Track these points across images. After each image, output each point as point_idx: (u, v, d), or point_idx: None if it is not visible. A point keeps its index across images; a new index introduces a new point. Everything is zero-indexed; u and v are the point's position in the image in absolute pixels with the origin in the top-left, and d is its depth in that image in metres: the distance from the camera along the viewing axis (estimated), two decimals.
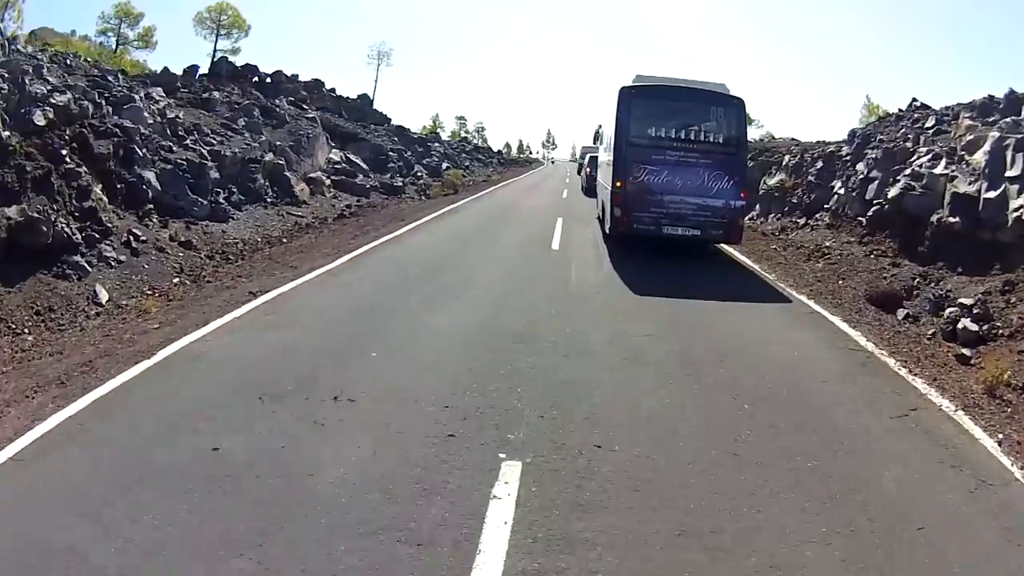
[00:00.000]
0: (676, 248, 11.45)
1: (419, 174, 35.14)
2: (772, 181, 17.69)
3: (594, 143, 19.08)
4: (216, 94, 28.86)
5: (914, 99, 15.51)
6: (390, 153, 34.90)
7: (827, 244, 12.33)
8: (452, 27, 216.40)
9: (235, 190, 20.82)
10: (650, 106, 10.66)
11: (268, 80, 41.63)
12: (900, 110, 16.53)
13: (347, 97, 53.05)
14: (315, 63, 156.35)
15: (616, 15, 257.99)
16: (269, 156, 22.47)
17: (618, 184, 10.70)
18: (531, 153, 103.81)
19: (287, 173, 22.68)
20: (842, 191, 13.59)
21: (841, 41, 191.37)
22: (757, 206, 17.93)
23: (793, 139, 21.15)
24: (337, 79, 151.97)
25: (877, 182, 12.17)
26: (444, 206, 20.53)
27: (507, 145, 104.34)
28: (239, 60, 42.13)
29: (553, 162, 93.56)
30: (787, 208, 16.28)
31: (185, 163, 16.21)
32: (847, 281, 10.20)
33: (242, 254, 12.81)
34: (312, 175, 24.58)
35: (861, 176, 12.91)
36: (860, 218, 12.26)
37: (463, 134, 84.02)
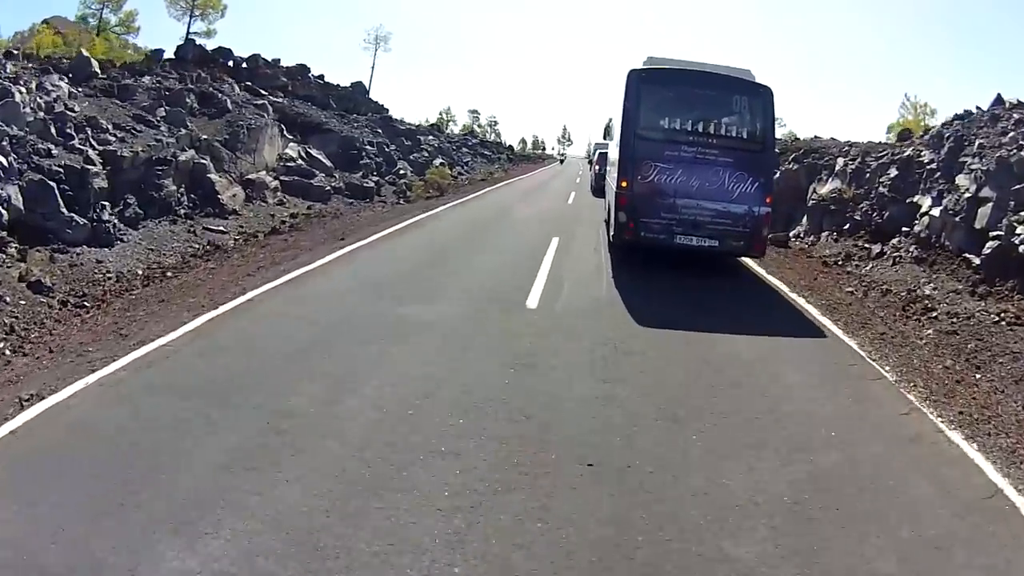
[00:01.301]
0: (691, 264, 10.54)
1: (402, 171, 31.26)
2: (824, 190, 15.89)
3: (604, 138, 18.75)
4: (146, 79, 25.13)
5: (999, 95, 13.45)
6: (366, 147, 31.01)
7: (926, 291, 10.05)
8: (467, 19, 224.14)
9: (133, 201, 16.77)
10: (663, 93, 10.13)
11: (244, 65, 39.49)
12: (971, 108, 13.99)
13: (337, 85, 50.58)
14: (320, 55, 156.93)
15: (627, 11, 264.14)
16: (187, 154, 18.38)
17: (624, 184, 10.05)
18: (544, 149, 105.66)
19: (212, 175, 18.59)
20: (935, 212, 11.60)
21: (843, 40, 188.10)
22: (805, 220, 16.25)
23: (832, 138, 19.53)
24: (344, 72, 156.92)
25: (991, 205, 10.15)
26: (416, 214, 17.21)
27: (522, 140, 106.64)
28: (217, 42, 41.05)
29: (562, 161, 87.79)
30: (848, 226, 14.38)
31: (62, 170, 13.10)
32: (986, 374, 6.75)
33: (104, 298, 9.73)
34: (252, 176, 20.60)
35: (967, 194, 10.82)
36: (968, 255, 10.27)
37: (475, 127, 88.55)
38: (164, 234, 16.96)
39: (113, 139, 17.93)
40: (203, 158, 19.08)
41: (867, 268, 12.04)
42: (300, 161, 24.11)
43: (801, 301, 9.61)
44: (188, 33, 43.04)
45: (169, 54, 36.04)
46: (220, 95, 24.95)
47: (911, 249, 11.72)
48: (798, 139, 23.41)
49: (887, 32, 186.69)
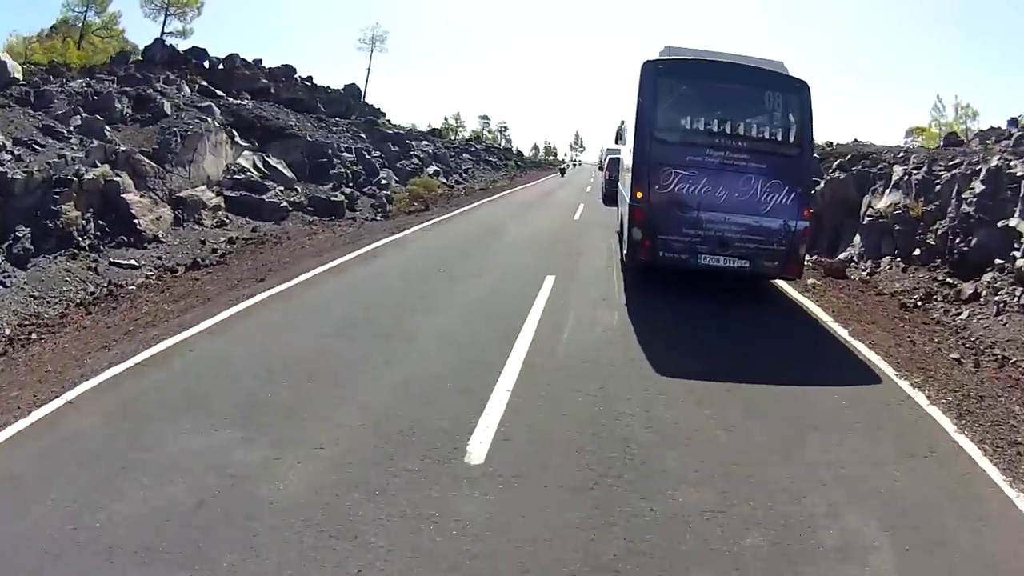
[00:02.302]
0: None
1: (384, 182, 28.67)
2: (882, 204, 14.52)
3: (616, 142, 17.37)
4: (76, 83, 22.55)
5: None
6: (342, 154, 28.39)
7: None
8: (477, 24, 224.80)
9: (24, 234, 14.06)
10: (683, 88, 9.54)
11: (220, 66, 37.69)
12: None
13: (327, 87, 49.17)
14: (323, 60, 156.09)
15: (636, 15, 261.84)
16: (98, 171, 15.62)
17: (638, 195, 9.36)
18: (555, 156, 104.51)
19: (130, 195, 16.01)
20: None
21: (848, 39, 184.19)
22: (858, 240, 14.89)
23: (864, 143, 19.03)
24: (348, 77, 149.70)
25: None
26: (380, 237, 14.47)
27: (534, 147, 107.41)
28: (202, 43, 41.26)
29: (572, 166, 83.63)
30: (919, 252, 13.01)
31: None
32: None
33: None
34: (186, 193, 17.95)
35: None
36: None
37: (485, 133, 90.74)
38: (57, 274, 14.29)
39: (8, 158, 15.28)
40: (118, 175, 16.42)
41: (962, 316, 10.59)
42: (252, 173, 21.42)
43: (907, 387, 6.83)
44: (163, 33, 40.79)
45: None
46: (159, 97, 22.22)
47: (1017, 292, 10.39)
48: (835, 144, 22.07)
49: (896, 30, 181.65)
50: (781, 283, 10.73)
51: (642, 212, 9.37)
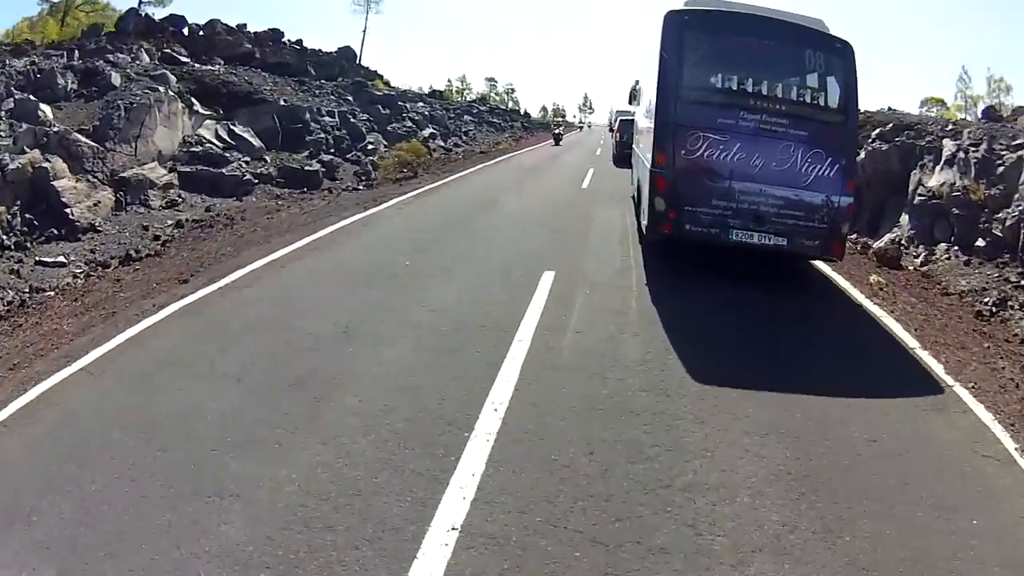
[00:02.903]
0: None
1: (371, 147, 26.66)
2: (933, 182, 13.31)
3: (630, 103, 16.69)
4: (20, 62, 20.79)
5: None
6: (324, 118, 26.55)
7: None
8: None
9: None
10: (713, 43, 9.12)
11: (200, 33, 37.06)
12: None
13: (318, 50, 48.31)
14: (325, 27, 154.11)
15: None
16: (23, 159, 13.82)
17: (661, 161, 8.92)
18: (564, 117, 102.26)
19: (62, 181, 14.05)
20: None
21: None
22: (905, 220, 13.61)
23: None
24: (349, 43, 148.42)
25: None
26: (351, 214, 12.48)
27: (543, 108, 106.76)
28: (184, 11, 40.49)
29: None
30: (985, 243, 11.46)
31: None
32: None
33: None
34: (131, 173, 16.13)
35: None
36: None
37: (492, 95, 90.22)
38: None
39: None
40: (49, 160, 14.52)
41: None
42: (214, 144, 19.50)
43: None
44: (140, 2, 40.82)
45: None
46: (108, 70, 20.34)
47: None
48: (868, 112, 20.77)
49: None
50: (836, 276, 9.68)
51: (666, 180, 8.91)
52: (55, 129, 15.81)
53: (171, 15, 37.34)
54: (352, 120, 28.75)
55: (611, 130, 37.70)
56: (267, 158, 20.62)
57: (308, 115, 25.00)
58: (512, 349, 5.87)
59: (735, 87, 8.95)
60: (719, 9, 9.33)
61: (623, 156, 23.76)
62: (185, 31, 36.32)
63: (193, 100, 21.00)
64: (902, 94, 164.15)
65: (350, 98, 34.40)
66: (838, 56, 9.07)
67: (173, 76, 21.60)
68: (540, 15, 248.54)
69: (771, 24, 9.19)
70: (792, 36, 9.18)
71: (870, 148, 14.93)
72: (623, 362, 5.84)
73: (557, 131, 46.06)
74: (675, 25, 9.08)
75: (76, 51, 24.30)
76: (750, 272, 8.99)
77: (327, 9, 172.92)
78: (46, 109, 17.31)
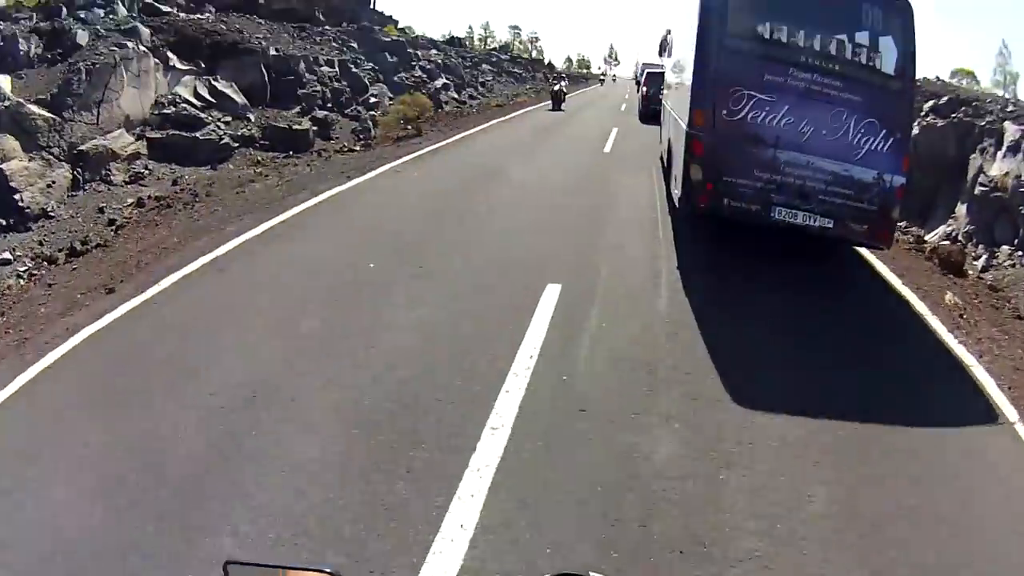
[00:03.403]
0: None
1: (374, 100, 25.07)
2: (995, 170, 12.08)
3: (660, 55, 16.15)
4: None
5: None
6: (322, 68, 24.60)
7: None
8: None
9: None
10: None
11: None
12: None
13: None
14: None
15: None
16: None
17: (699, 120, 8.41)
18: (589, 68, 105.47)
19: (11, 163, 13.53)
20: None
21: None
22: (962, 212, 12.45)
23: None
24: None
25: None
26: (332, 186, 10.95)
27: (567, 59, 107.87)
28: None
29: (601, 82, 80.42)
30: None
31: None
32: None
33: None
34: (89, 145, 14.67)
35: None
36: None
37: (516, 44, 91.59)
38: None
39: None
40: None
41: None
42: (191, 104, 17.85)
43: None
44: None
45: None
46: (74, 27, 18.70)
47: None
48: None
49: None
50: (905, 289, 8.41)
51: (703, 145, 8.42)
52: (6, 103, 14.30)
53: None
54: (354, 70, 26.78)
55: (637, 83, 37.22)
56: (251, 117, 18.91)
57: (303, 66, 23.13)
58: (477, 459, 3.91)
59: (786, 39, 8.33)
60: None
61: (649, 112, 23.34)
62: None
63: (170, 55, 19.31)
64: (929, 63, 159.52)
65: (354, 44, 32.27)
66: (897, 15, 8.54)
67: (147, 29, 19.79)
68: None
69: None
70: None
71: (924, 124, 13.86)
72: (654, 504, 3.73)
73: (556, 87, 31.94)
74: None
75: (63, 9, 23.06)
76: (800, 280, 8.15)
77: None
78: (1, 81, 15.83)
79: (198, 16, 26.90)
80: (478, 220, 9.03)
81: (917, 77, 9.88)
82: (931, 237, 11.96)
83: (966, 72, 32.88)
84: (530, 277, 6.78)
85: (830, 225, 8.44)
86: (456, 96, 35.45)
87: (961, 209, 12.50)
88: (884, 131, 8.36)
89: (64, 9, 23.68)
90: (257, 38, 25.16)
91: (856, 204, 8.45)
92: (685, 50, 10.34)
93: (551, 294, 6.31)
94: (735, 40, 8.43)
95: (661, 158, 13.15)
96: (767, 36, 8.38)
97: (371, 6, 54.56)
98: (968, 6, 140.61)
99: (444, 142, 16.12)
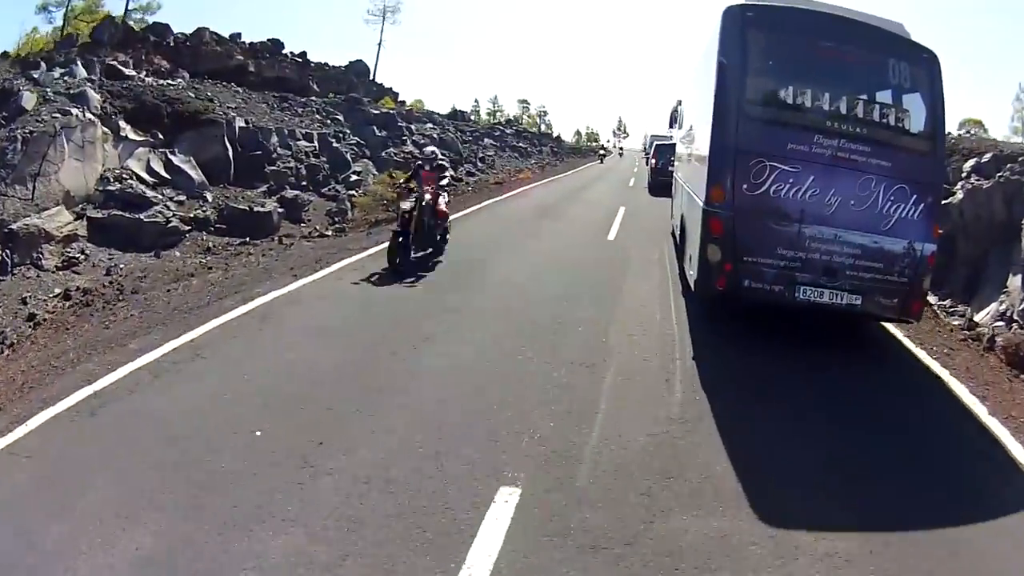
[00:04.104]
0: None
1: (356, 178, 24.39)
2: None
3: (670, 127, 16.28)
4: None
5: None
6: (297, 142, 23.90)
7: None
8: (514, 4, 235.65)
9: None
10: (783, 47, 8.62)
11: (186, 43, 36.94)
12: None
13: (324, 64, 48.26)
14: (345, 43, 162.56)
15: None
16: None
17: (717, 196, 8.32)
18: (597, 141, 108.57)
19: None
20: None
21: None
22: (1017, 285, 11.05)
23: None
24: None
25: None
26: (274, 287, 9.54)
27: (576, 132, 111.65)
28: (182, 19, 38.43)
29: (607, 154, 77.71)
30: None
31: None
32: None
33: None
34: (19, 224, 13.41)
35: None
36: None
37: (524, 117, 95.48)
38: None
39: None
40: None
41: None
42: (142, 180, 16.81)
43: None
44: (127, 9, 41.28)
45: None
46: (22, 89, 17.91)
47: None
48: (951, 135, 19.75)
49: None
50: (983, 411, 6.99)
51: (722, 222, 8.25)
52: None
53: (155, 24, 37.43)
54: (335, 144, 26.16)
55: (646, 156, 39.21)
56: (208, 196, 17.95)
57: (275, 139, 22.45)
58: None
59: (809, 103, 8.28)
60: (790, 6, 8.73)
61: (659, 184, 24.54)
62: (171, 41, 35.69)
63: (122, 124, 18.50)
64: None
65: (340, 117, 32.07)
66: (925, 69, 8.49)
67: (96, 94, 19.04)
68: (575, 36, 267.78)
69: (850, 26, 8.58)
70: (874, 42, 8.55)
71: (969, 186, 13.04)
72: None
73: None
74: (736, 23, 8.42)
75: (43, 64, 22.71)
76: (846, 398, 6.97)
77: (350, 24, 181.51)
78: None
79: (169, 82, 26.51)
80: (426, 359, 6.93)
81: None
82: (982, 317, 11.05)
83: (974, 122, 32.55)
84: (476, 475, 4.74)
85: (858, 302, 8.27)
86: (452, 173, 34.66)
87: (1015, 281, 11.35)
88: (915, 196, 8.22)
89: (44, 64, 23.43)
90: (229, 107, 24.59)
91: (886, 277, 8.28)
92: (700, 120, 10.17)
93: (502, 506, 4.36)
94: (755, 107, 8.30)
95: (673, 234, 12.92)
96: (790, 101, 8.28)
97: (370, 77, 55.41)
98: (971, 53, 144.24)
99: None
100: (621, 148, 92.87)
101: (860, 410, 6.62)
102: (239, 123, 22.03)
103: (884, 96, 8.54)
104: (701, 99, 10.05)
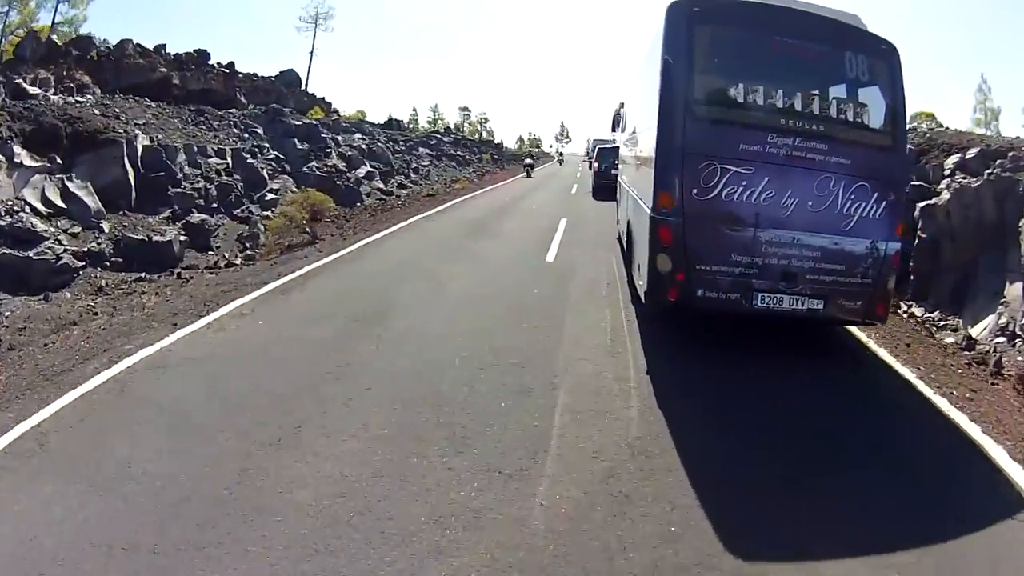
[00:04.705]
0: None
1: (272, 197, 23.83)
2: None
3: (613, 130, 16.89)
4: None
5: None
6: (208, 159, 23.34)
7: None
8: (454, 11, 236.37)
9: None
10: (730, 43, 8.52)
11: (110, 56, 36.47)
12: None
13: (253, 75, 47.94)
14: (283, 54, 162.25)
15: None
16: None
17: (665, 202, 8.24)
18: (539, 147, 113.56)
19: None
20: None
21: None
22: (1017, 294, 10.76)
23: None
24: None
25: None
26: (152, 340, 8.68)
27: (519, 139, 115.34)
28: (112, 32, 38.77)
29: (549, 159, 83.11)
30: None
31: None
32: None
33: None
34: None
35: None
36: None
37: (467, 125, 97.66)
38: None
39: None
40: None
41: None
42: (35, 211, 16.16)
43: None
44: (53, 23, 41.48)
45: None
46: None
47: None
48: (925, 129, 20.04)
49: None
50: (1001, 454, 6.15)
51: (672, 230, 8.12)
52: None
53: (79, 37, 37.67)
54: (250, 160, 25.52)
55: (588, 160, 41.38)
56: (104, 226, 17.21)
57: (182, 157, 21.76)
58: None
59: (761, 101, 8.14)
60: (735, 0, 8.59)
61: (602, 187, 26.49)
62: (94, 55, 35.20)
63: (17, 149, 17.76)
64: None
65: (259, 130, 31.42)
66: (884, 62, 8.44)
67: None
68: (516, 43, 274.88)
69: (803, 19, 8.47)
70: (829, 35, 8.41)
71: (956, 186, 12.85)
72: None
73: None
74: (682, 20, 8.27)
75: None
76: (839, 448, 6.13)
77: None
78: None
79: (78, 99, 25.71)
80: (299, 471, 5.29)
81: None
82: (979, 332, 10.80)
83: (926, 115, 32.09)
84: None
85: (820, 307, 8.18)
86: (382, 186, 34.79)
87: (1014, 290, 11.07)
88: (876, 194, 8.18)
89: None
90: (137, 124, 23.79)
91: (848, 280, 8.24)
92: (645, 122, 10.00)
93: None
94: (703, 106, 8.20)
95: (619, 239, 12.81)
96: (740, 99, 8.19)
97: (302, 87, 54.91)
98: (923, 43, 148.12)
99: (341, 252, 14.18)
100: (561, 153, 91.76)
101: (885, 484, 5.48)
102: (143, 141, 21.20)
103: (841, 91, 8.57)
104: (646, 100, 9.96)
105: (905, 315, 11.73)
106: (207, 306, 10.16)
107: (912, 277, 12.49)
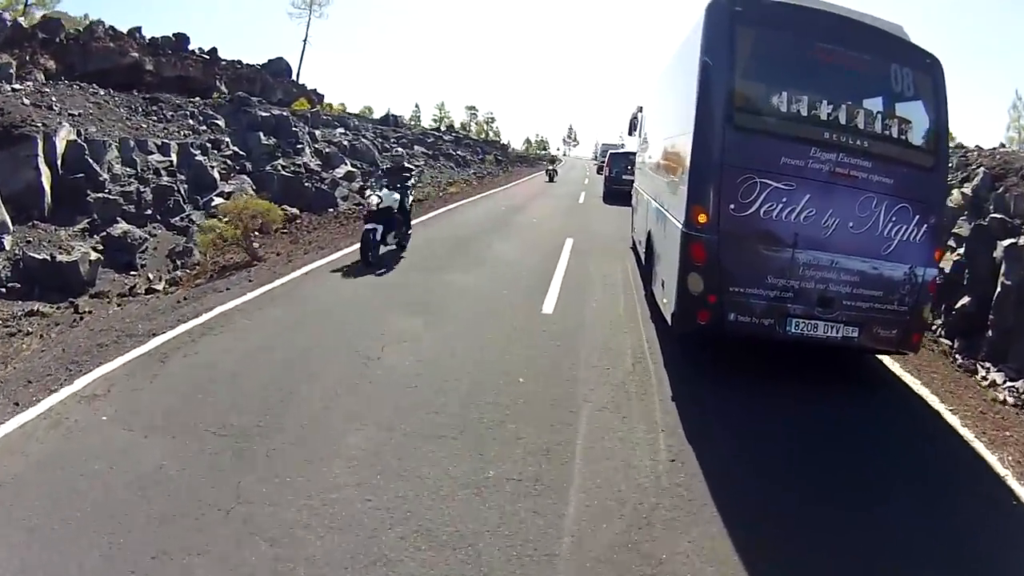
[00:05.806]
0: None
1: (220, 201, 21.66)
2: None
3: (630, 134, 16.77)
4: None
5: None
6: (149, 157, 21.02)
7: None
8: (465, 9, 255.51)
9: None
10: (775, 48, 8.57)
11: (78, 40, 35.35)
12: None
13: (236, 62, 46.78)
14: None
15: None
16: None
17: (699, 217, 8.35)
18: (547, 149, 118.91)
19: None
20: None
21: None
22: None
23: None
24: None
25: None
26: None
27: (526, 140, 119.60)
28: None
29: (557, 160, 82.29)
30: None
31: None
32: None
33: None
34: None
35: None
36: None
37: (473, 125, 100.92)
38: None
39: None
40: None
41: None
42: None
43: None
44: (26, 4, 41.93)
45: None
46: None
47: None
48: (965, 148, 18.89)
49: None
50: None
51: (706, 248, 8.18)
52: None
53: (48, 20, 36.50)
54: (200, 157, 23.48)
55: (597, 164, 43.08)
56: (6, 242, 15.29)
57: (113, 154, 19.72)
58: None
59: (805, 111, 8.24)
60: (783, 1, 8.59)
61: (613, 192, 28.92)
62: (62, 37, 34.17)
63: None
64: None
65: (220, 122, 29.60)
66: (929, 76, 8.56)
67: None
68: (527, 45, 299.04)
69: (850, 26, 8.55)
70: (876, 45, 8.53)
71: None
72: None
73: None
74: (725, 20, 8.34)
75: None
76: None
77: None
78: None
79: (14, 87, 23.90)
80: None
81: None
82: None
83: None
84: None
85: (855, 335, 8.33)
86: (362, 185, 33.10)
87: None
88: (917, 216, 8.29)
89: None
90: (70, 115, 21.83)
91: (885, 307, 8.40)
92: (674, 128, 10.13)
93: None
94: (744, 115, 8.23)
95: (633, 248, 13.00)
96: (784, 108, 8.24)
97: (292, 77, 53.64)
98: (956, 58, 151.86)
99: (273, 284, 11.63)
100: (554, 160, 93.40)
101: None
102: (64, 136, 19.18)
103: (885, 104, 8.63)
104: (676, 105, 10.02)
105: (983, 381, 10.06)
106: (70, 369, 7.87)
107: (991, 332, 10.80)
